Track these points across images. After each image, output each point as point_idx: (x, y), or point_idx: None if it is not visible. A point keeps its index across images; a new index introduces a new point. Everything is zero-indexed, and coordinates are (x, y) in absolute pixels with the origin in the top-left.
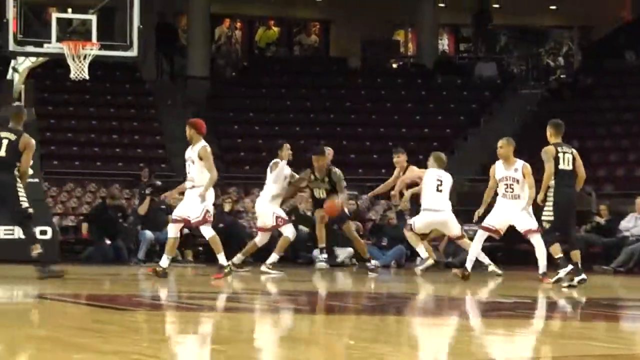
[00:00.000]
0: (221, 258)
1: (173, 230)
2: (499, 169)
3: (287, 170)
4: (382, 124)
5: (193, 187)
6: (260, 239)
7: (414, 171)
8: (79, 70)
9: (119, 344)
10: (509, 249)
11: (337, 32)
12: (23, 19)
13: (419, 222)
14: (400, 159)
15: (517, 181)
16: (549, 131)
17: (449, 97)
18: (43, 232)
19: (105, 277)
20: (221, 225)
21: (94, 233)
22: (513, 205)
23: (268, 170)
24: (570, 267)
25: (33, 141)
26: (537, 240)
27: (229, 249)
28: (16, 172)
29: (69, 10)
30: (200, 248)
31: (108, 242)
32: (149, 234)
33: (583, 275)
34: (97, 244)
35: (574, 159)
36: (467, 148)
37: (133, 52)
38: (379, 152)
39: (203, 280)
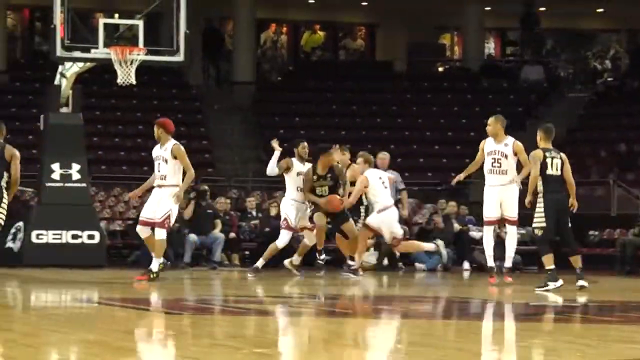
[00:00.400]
0: (155, 263)
1: (143, 233)
2: (488, 143)
3: (300, 168)
4: (428, 127)
5: (161, 186)
6: (307, 239)
7: (356, 171)
8: (126, 76)
9: (166, 347)
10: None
11: (383, 36)
12: (70, 25)
13: (375, 222)
14: (344, 157)
15: (506, 156)
16: (539, 135)
17: (495, 100)
18: (91, 237)
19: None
20: (267, 229)
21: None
22: (500, 183)
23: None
24: (560, 282)
25: (17, 151)
26: (511, 231)
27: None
28: (3, 183)
29: (116, 15)
30: (247, 252)
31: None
32: (192, 237)
33: (584, 282)
34: (144, 248)
35: (562, 164)
36: None
37: (180, 57)
38: (425, 156)
39: (249, 283)
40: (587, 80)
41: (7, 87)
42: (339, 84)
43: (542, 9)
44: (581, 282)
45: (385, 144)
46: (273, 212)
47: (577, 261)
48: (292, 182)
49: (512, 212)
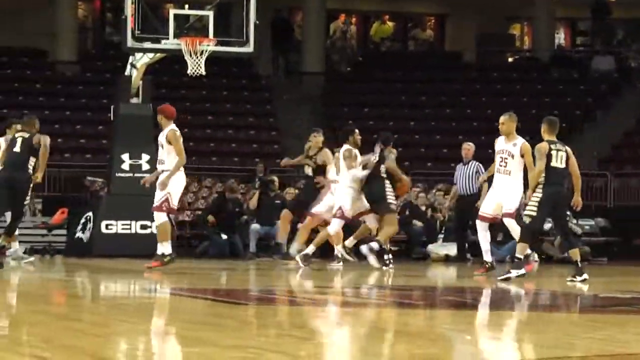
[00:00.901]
0: (164, 247)
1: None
2: (499, 142)
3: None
4: (498, 118)
5: (163, 171)
6: (369, 222)
7: (328, 155)
8: (196, 66)
9: (236, 337)
10: (626, 244)
11: (452, 27)
12: (141, 16)
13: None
14: (317, 139)
15: (512, 156)
16: (543, 127)
17: (565, 91)
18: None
19: (221, 271)
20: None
21: (210, 227)
22: (503, 182)
23: (341, 158)
24: (523, 271)
25: (47, 138)
26: (509, 224)
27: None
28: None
29: (186, 6)
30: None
31: (224, 236)
32: (255, 227)
33: (585, 275)
34: (213, 238)
35: (567, 157)
36: (584, 142)
37: (249, 48)
38: (493, 147)
39: (317, 274)
40: None
41: (78, 77)
42: (408, 75)
43: None
44: (582, 277)
45: (454, 134)
46: None
47: (575, 254)
48: (353, 170)
49: (509, 206)
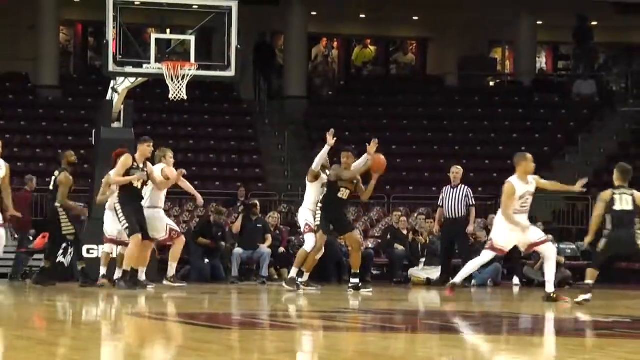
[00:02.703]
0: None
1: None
2: (518, 185)
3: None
4: (479, 142)
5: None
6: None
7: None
8: (177, 91)
9: None
10: (608, 268)
11: (434, 50)
12: (122, 40)
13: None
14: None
15: (532, 195)
16: (615, 174)
17: (547, 115)
18: None
19: (202, 296)
20: None
21: (192, 251)
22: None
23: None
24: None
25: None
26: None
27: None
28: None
29: (168, 31)
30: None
31: (206, 260)
32: (238, 251)
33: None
34: (193, 263)
35: (633, 199)
36: (566, 166)
37: (231, 72)
38: (475, 171)
39: (299, 298)
40: (639, 95)
41: (60, 102)
42: (390, 99)
43: (595, 23)
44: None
45: (436, 158)
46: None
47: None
48: (316, 190)
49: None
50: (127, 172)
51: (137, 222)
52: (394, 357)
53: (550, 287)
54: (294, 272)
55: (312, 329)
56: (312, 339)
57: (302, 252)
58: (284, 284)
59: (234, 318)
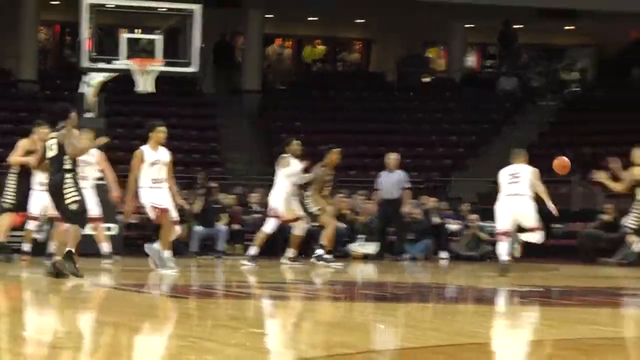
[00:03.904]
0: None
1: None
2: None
3: (298, 166)
4: (416, 132)
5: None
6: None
7: None
8: (145, 85)
9: (176, 328)
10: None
11: (377, 50)
12: (96, 39)
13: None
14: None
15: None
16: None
17: (475, 108)
18: (108, 229)
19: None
20: None
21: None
22: None
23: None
24: None
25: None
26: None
27: (276, 245)
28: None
29: (138, 31)
30: (248, 243)
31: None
32: (198, 229)
33: None
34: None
35: None
36: (490, 154)
37: (194, 68)
38: (411, 157)
39: (248, 271)
40: (556, 90)
41: (39, 95)
42: (337, 93)
43: (519, 26)
44: None
45: (377, 146)
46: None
47: None
48: (287, 177)
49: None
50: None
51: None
52: (333, 323)
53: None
54: (253, 250)
55: (261, 298)
56: (260, 307)
57: (262, 234)
58: (244, 262)
59: (192, 289)
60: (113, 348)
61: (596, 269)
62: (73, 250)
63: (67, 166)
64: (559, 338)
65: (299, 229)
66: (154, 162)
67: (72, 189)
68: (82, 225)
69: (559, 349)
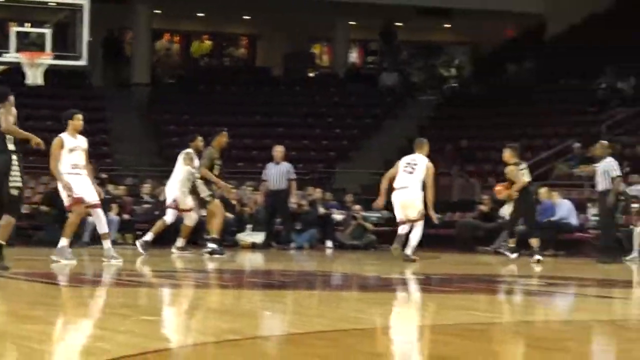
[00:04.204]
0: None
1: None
2: None
3: (196, 161)
4: (301, 125)
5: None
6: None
7: None
8: (34, 77)
9: (67, 315)
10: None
11: (263, 46)
12: None
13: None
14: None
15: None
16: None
17: (357, 102)
18: None
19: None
20: (157, 212)
21: (45, 217)
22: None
23: (180, 159)
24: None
25: None
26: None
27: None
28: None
29: (27, 24)
30: (140, 232)
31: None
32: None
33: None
34: (47, 229)
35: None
36: (374, 146)
37: (83, 62)
38: (297, 150)
39: (141, 260)
40: (435, 86)
41: None
42: (224, 87)
43: (399, 24)
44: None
45: (263, 139)
46: (162, 197)
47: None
48: (186, 171)
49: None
50: None
51: None
52: (222, 310)
53: (410, 250)
54: (149, 236)
55: (151, 286)
56: (151, 295)
57: (162, 223)
58: (138, 245)
59: (84, 277)
60: (2, 336)
61: (474, 257)
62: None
63: (12, 147)
64: (437, 323)
65: (189, 220)
66: (72, 148)
67: (16, 173)
68: (17, 216)
69: (438, 334)
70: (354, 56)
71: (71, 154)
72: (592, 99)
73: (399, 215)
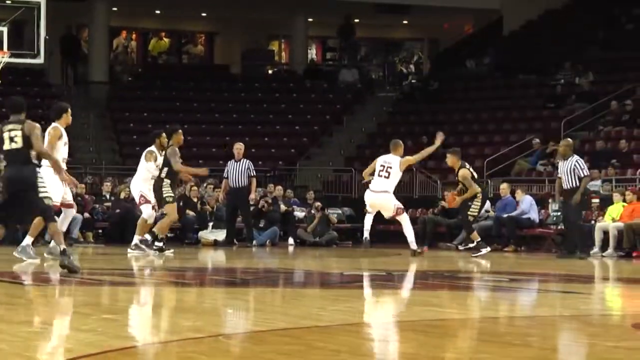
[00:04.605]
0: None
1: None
2: None
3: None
4: (260, 122)
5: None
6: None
7: None
8: None
9: (27, 315)
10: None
11: (221, 43)
12: None
13: None
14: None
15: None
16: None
17: (316, 99)
18: None
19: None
20: (118, 210)
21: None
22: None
23: (143, 156)
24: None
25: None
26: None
27: (127, 232)
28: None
29: None
30: (100, 231)
31: (18, 226)
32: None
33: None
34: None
35: None
36: (332, 143)
37: (40, 60)
38: (256, 147)
39: (103, 258)
40: (395, 82)
41: None
42: (182, 85)
43: (357, 20)
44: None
45: (222, 136)
46: (122, 195)
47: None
48: (151, 168)
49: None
50: None
51: None
52: (184, 308)
53: (413, 246)
54: (136, 239)
55: (113, 284)
56: (113, 294)
57: (142, 220)
58: (130, 249)
59: (43, 276)
60: None
61: (436, 253)
62: None
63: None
64: (400, 320)
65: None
66: (66, 142)
67: (42, 184)
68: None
69: (401, 330)
70: (312, 53)
71: (64, 147)
72: (551, 95)
73: (370, 209)
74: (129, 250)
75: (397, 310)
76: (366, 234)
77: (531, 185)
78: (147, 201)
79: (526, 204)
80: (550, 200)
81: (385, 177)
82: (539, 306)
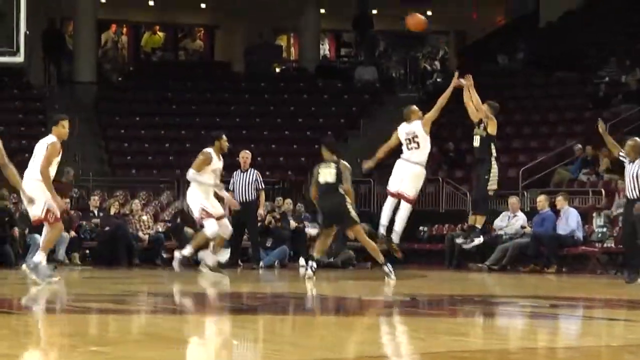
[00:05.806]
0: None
1: None
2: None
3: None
4: (266, 126)
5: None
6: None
7: None
8: None
9: (7, 347)
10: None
11: (222, 37)
12: None
13: None
14: None
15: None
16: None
17: (330, 100)
18: None
19: None
20: (108, 227)
21: None
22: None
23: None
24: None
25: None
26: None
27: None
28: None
29: None
30: (87, 251)
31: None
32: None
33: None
34: None
35: None
36: (348, 150)
37: (20, 58)
38: (262, 155)
39: (90, 282)
40: (417, 81)
41: None
42: (179, 84)
43: (375, 11)
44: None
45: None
46: (113, 210)
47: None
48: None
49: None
50: None
51: None
52: (182, 339)
53: (395, 238)
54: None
55: (101, 312)
56: (100, 321)
57: (203, 235)
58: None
59: (25, 303)
60: None
61: (466, 275)
62: None
63: None
64: (426, 351)
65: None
66: (59, 160)
67: None
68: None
69: None
70: (325, 48)
71: (55, 165)
72: (593, 95)
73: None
74: (200, 268)
75: (423, 340)
76: (382, 230)
77: (573, 198)
78: (210, 215)
79: (573, 220)
80: (594, 215)
81: (415, 148)
82: (583, 335)
